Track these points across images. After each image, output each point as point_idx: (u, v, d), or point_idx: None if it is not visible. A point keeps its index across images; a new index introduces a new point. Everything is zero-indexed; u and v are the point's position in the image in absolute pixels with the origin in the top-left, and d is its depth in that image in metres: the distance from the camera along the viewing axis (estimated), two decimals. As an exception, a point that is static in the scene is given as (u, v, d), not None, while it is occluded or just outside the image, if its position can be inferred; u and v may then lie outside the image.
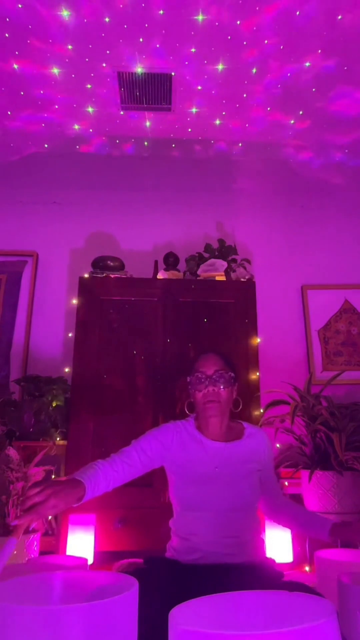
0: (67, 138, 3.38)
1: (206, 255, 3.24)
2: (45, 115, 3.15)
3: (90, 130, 3.32)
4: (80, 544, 2.39)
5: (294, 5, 2.39)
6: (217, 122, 3.22)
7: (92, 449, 2.62)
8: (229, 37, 2.56)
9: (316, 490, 2.32)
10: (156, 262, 3.25)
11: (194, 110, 3.11)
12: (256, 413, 2.68)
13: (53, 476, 2.55)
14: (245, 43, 2.59)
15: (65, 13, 2.44)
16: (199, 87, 2.91)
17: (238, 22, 2.47)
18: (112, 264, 3.11)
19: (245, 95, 2.97)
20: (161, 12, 2.43)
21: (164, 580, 1.20)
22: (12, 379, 3.21)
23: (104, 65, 2.74)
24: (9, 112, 3.12)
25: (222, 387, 1.48)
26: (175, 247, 3.59)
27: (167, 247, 3.57)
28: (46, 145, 3.46)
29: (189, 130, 3.31)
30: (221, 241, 3.29)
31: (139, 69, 2.77)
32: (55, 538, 2.52)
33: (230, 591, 0.82)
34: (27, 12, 2.42)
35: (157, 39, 2.58)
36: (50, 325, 3.41)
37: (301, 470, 2.43)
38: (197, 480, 1.42)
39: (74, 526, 2.41)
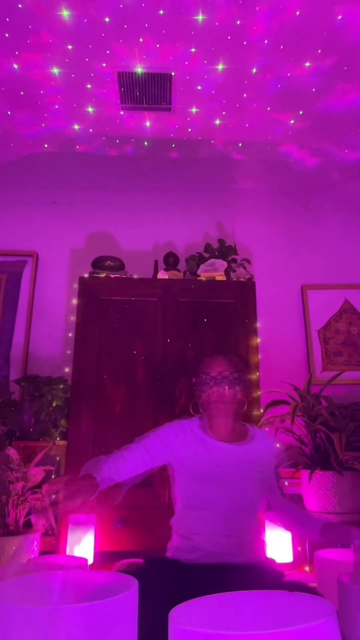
0: (67, 138, 3.38)
1: (206, 255, 3.24)
2: (45, 115, 3.15)
3: (90, 130, 3.31)
4: (80, 544, 2.38)
5: (294, 5, 2.39)
6: (217, 122, 3.22)
7: (92, 449, 2.62)
8: (229, 37, 2.56)
9: (316, 490, 2.32)
10: (156, 262, 3.25)
11: (194, 110, 3.11)
12: (256, 413, 2.68)
13: (53, 476, 2.55)
14: (245, 43, 2.59)
15: (65, 13, 2.44)
16: (199, 87, 2.91)
17: (238, 22, 2.47)
18: (112, 264, 3.11)
19: (245, 95, 2.97)
20: (161, 12, 2.43)
21: (164, 580, 1.20)
22: (12, 379, 3.21)
23: (104, 65, 2.74)
24: (9, 112, 3.12)
25: (226, 388, 1.48)
26: (175, 247, 3.59)
27: (167, 247, 3.57)
28: (46, 145, 3.45)
29: (189, 130, 3.30)
30: (221, 241, 3.29)
31: (139, 69, 2.77)
32: (55, 538, 2.52)
33: (231, 591, 0.82)
34: (27, 12, 2.42)
35: (157, 39, 2.58)
36: (50, 325, 3.41)
37: (301, 470, 2.43)
38: (201, 480, 1.43)
39: (74, 526, 2.41)
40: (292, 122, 3.21)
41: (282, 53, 2.65)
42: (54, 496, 1.06)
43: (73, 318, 3.06)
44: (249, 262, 3.25)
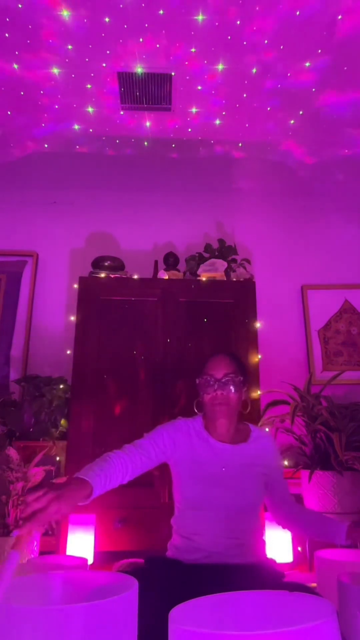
0: (67, 138, 3.38)
1: (206, 255, 3.24)
2: (45, 115, 3.15)
3: (90, 130, 3.31)
4: (80, 544, 2.38)
5: (294, 5, 2.39)
6: (217, 122, 3.22)
7: (92, 449, 2.62)
8: (229, 37, 2.56)
9: (316, 490, 2.32)
10: (156, 262, 3.25)
11: (194, 110, 3.11)
12: (256, 413, 2.68)
13: (53, 476, 2.55)
14: (245, 43, 2.59)
15: (65, 13, 2.44)
16: (199, 87, 2.91)
17: (238, 22, 2.47)
18: (112, 264, 3.11)
19: (245, 95, 2.97)
20: (161, 12, 2.43)
21: (164, 580, 1.20)
22: (12, 379, 3.21)
23: (104, 65, 2.74)
24: (9, 112, 3.12)
25: (232, 390, 1.48)
26: (175, 247, 3.59)
27: (167, 247, 3.57)
28: (46, 145, 3.45)
29: (189, 130, 3.30)
30: (221, 241, 3.29)
31: (139, 69, 2.77)
32: (55, 538, 2.52)
33: (231, 591, 0.82)
34: (27, 12, 2.42)
35: (157, 39, 2.58)
36: (50, 325, 3.41)
37: (301, 470, 2.43)
38: (203, 480, 1.43)
39: (74, 526, 2.41)
40: (292, 122, 3.21)
41: (282, 53, 2.65)
42: (33, 504, 0.99)
43: (73, 318, 3.06)
44: (249, 262, 3.25)
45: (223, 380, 1.47)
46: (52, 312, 3.44)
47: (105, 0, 2.37)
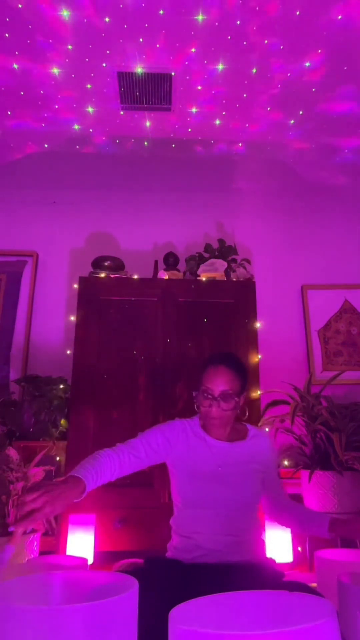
0: (67, 138, 3.38)
1: (206, 255, 3.24)
2: (45, 115, 3.15)
3: (90, 130, 3.31)
4: (80, 544, 2.39)
5: (294, 4, 2.39)
6: (217, 122, 3.22)
7: (92, 449, 2.59)
8: (229, 37, 2.56)
9: (316, 490, 2.32)
10: (156, 262, 3.25)
11: (194, 110, 3.11)
12: (256, 413, 2.68)
13: (53, 476, 2.55)
14: (245, 43, 2.59)
15: (65, 13, 2.44)
16: (199, 87, 2.91)
17: (238, 22, 2.47)
18: (112, 264, 3.11)
19: (245, 95, 2.97)
20: (161, 12, 2.43)
21: (164, 580, 1.20)
22: (12, 379, 3.21)
23: (104, 65, 2.74)
24: (9, 112, 3.12)
25: (227, 408, 1.45)
26: (175, 247, 3.59)
27: (167, 247, 3.57)
28: (46, 145, 3.46)
29: (189, 130, 3.30)
30: (221, 241, 3.29)
31: (139, 69, 2.77)
32: (55, 538, 2.52)
33: (231, 591, 0.82)
34: (27, 11, 2.42)
35: (157, 39, 2.58)
36: (50, 325, 3.41)
37: (301, 470, 2.43)
38: (201, 478, 1.43)
39: (74, 526, 2.41)
40: (292, 122, 3.21)
41: (283, 53, 2.65)
42: (30, 503, 1.05)
43: (73, 318, 3.06)
44: (249, 262, 3.25)
45: (219, 397, 1.45)
46: (52, 312, 3.44)
47: (105, 0, 2.37)
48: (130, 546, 2.48)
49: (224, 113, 3.14)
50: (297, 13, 2.42)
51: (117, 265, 3.12)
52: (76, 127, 3.28)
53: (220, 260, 3.14)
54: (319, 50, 2.64)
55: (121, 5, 2.39)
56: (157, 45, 2.61)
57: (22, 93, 2.95)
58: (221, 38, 2.57)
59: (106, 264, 3.10)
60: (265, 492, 1.53)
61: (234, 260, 3.20)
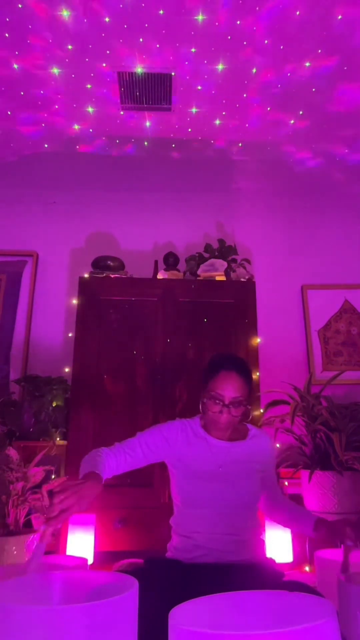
0: (67, 138, 3.38)
1: (206, 255, 3.24)
2: (45, 115, 3.15)
3: (90, 130, 3.32)
4: (80, 544, 2.38)
5: (294, 4, 2.39)
6: (217, 122, 3.22)
7: (92, 449, 2.61)
8: (229, 37, 2.56)
9: (316, 490, 2.32)
10: (156, 262, 3.25)
11: (194, 110, 3.11)
12: (256, 413, 2.68)
13: (53, 476, 2.55)
14: (245, 43, 2.59)
15: (65, 13, 2.44)
16: (199, 87, 2.91)
17: (238, 22, 2.47)
18: (112, 264, 3.11)
19: (245, 95, 2.97)
20: (161, 12, 2.43)
21: (164, 580, 1.20)
22: (12, 379, 3.21)
23: (104, 65, 2.74)
24: (9, 112, 3.12)
25: (237, 414, 1.45)
26: (175, 247, 3.59)
27: (167, 247, 3.57)
28: (46, 145, 3.46)
29: (189, 130, 3.30)
30: (221, 241, 3.29)
31: (139, 69, 2.77)
32: (55, 538, 2.52)
33: (231, 591, 0.82)
34: (27, 12, 2.42)
35: (157, 39, 2.58)
36: (50, 325, 3.41)
37: (301, 470, 2.43)
38: (201, 478, 1.43)
39: (74, 526, 2.41)
40: (292, 122, 3.21)
41: (282, 53, 2.65)
42: (59, 505, 1.06)
43: (73, 318, 3.06)
44: (249, 262, 3.25)
45: (230, 404, 1.43)
46: (52, 312, 3.44)
47: (105, 0, 2.37)
48: (130, 546, 2.48)
49: (223, 113, 3.14)
50: (297, 13, 2.42)
51: (117, 265, 3.12)
52: (76, 127, 3.28)
53: (220, 260, 3.14)
54: (319, 50, 2.64)
55: (121, 5, 2.39)
56: (157, 45, 2.62)
57: (22, 93, 2.95)
58: (221, 38, 2.57)
59: (106, 264, 3.10)
60: (263, 490, 1.54)
61: (234, 260, 3.20)
